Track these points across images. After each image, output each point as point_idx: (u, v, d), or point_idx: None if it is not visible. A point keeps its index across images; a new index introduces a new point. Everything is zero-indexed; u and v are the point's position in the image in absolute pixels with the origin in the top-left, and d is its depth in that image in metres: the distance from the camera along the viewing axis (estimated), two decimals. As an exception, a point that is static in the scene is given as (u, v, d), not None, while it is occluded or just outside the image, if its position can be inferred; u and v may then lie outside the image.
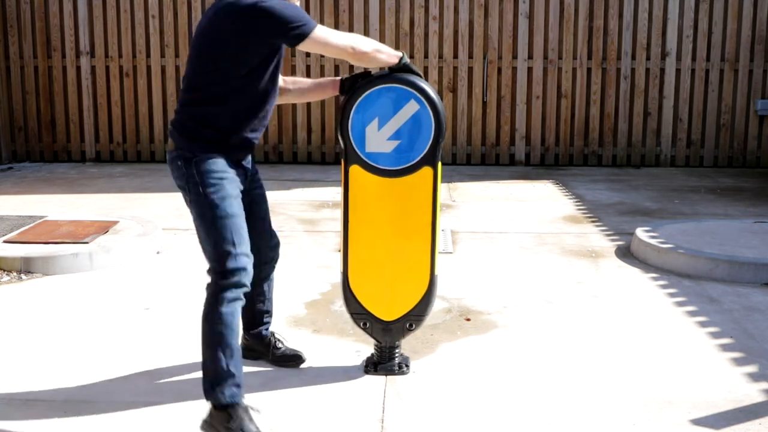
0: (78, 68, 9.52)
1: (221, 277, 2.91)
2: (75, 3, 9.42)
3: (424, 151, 3.24)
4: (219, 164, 2.99)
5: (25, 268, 4.97)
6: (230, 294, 2.91)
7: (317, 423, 3.06)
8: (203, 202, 2.94)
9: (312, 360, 3.63)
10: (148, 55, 9.48)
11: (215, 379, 2.88)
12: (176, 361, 3.60)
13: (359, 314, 3.42)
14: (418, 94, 3.21)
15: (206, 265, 2.99)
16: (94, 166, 9.35)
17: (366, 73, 3.28)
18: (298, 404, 3.21)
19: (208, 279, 2.96)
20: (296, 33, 2.92)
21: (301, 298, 4.54)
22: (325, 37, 2.99)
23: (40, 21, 9.46)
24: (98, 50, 9.48)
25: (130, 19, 9.44)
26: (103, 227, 5.66)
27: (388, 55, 3.16)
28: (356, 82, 3.26)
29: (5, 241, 5.32)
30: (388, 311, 3.38)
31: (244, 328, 3.49)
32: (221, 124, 3.01)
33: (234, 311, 2.92)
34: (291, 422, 3.06)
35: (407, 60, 3.23)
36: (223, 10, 2.94)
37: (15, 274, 4.93)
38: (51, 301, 4.48)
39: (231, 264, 2.90)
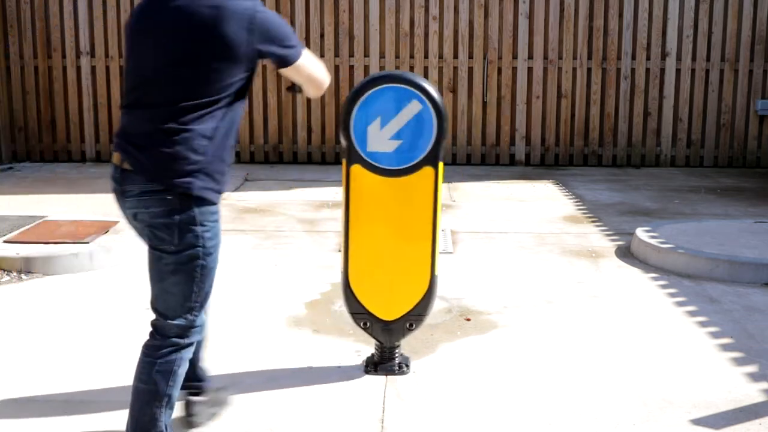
0: (78, 68, 9.51)
1: (187, 332, 2.64)
2: (75, 3, 9.41)
3: (426, 152, 3.25)
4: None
5: (26, 268, 4.97)
6: (188, 353, 2.67)
7: (317, 423, 3.06)
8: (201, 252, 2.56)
9: (312, 360, 3.63)
10: (148, 55, 9.46)
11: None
12: (176, 361, 3.60)
13: (360, 314, 3.42)
14: (421, 95, 3.21)
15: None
16: (95, 166, 9.34)
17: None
18: (298, 404, 3.21)
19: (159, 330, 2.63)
20: None
21: (302, 298, 4.54)
22: None
23: (40, 21, 9.46)
24: (98, 50, 9.47)
25: (130, 19, 9.43)
26: (104, 227, 5.66)
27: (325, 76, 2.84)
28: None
29: (5, 241, 5.32)
30: (388, 311, 3.39)
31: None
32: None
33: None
34: (291, 422, 3.06)
35: None
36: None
37: (15, 274, 4.93)
38: (51, 301, 4.48)
39: (199, 321, 2.66)
